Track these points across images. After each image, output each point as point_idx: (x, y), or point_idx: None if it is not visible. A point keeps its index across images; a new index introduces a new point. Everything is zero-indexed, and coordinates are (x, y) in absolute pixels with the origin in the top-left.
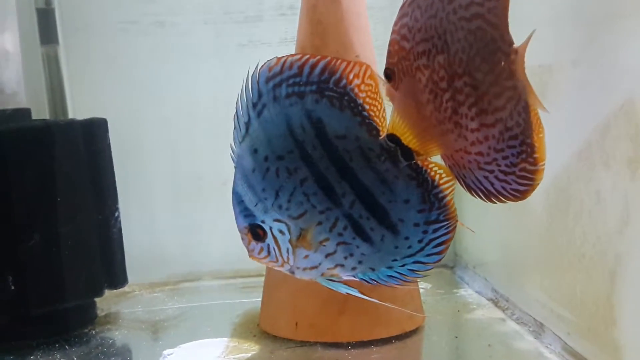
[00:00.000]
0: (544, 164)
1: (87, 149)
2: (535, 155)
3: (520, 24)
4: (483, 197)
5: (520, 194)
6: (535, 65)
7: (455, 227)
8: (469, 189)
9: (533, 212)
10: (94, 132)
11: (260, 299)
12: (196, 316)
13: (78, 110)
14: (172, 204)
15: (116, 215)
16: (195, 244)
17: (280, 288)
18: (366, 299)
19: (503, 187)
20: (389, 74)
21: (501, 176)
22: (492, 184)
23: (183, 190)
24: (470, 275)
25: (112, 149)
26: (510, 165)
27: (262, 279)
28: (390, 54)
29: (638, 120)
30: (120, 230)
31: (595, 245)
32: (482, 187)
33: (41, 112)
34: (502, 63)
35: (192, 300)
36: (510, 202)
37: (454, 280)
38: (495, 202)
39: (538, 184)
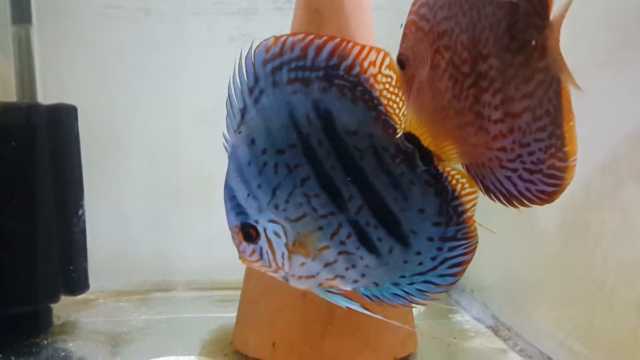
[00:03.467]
0: (575, 159)
1: (51, 137)
2: (566, 149)
3: None
4: (504, 201)
5: (546, 196)
6: None
7: (475, 248)
8: (487, 191)
9: (544, 231)
10: (60, 119)
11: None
12: (163, 330)
13: (48, 95)
14: (148, 205)
15: (80, 213)
16: (171, 251)
17: (258, 303)
18: (371, 316)
19: (527, 189)
20: (402, 62)
21: (526, 175)
22: (515, 185)
23: (161, 191)
24: (467, 300)
25: (84, 141)
26: (537, 162)
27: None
28: (405, 38)
29: None
30: (84, 230)
31: (619, 272)
32: (503, 189)
33: (8, 94)
34: (534, 40)
35: (162, 311)
36: (526, 212)
37: (449, 304)
38: (517, 207)
39: (568, 183)
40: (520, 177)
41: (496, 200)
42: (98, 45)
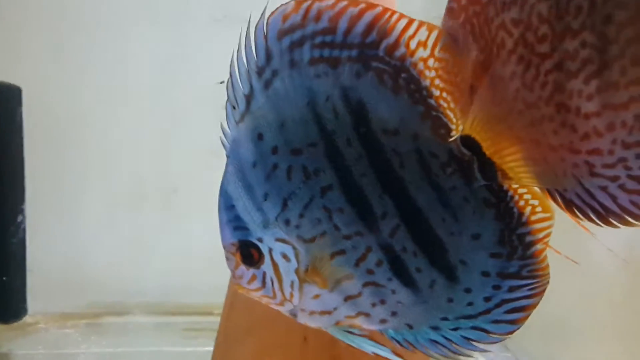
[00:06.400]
0: None
1: None
2: None
3: None
4: (595, 219)
5: None
6: None
7: (545, 290)
8: (569, 206)
9: (604, 267)
10: None
11: (211, 348)
12: None
13: None
14: (102, 212)
15: (19, 220)
16: (128, 267)
17: (242, 343)
18: None
19: (633, 202)
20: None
21: (631, 185)
22: (615, 198)
23: (119, 194)
24: None
25: (30, 130)
26: None
27: (214, 319)
28: (451, 12)
29: None
30: (23, 241)
31: None
32: (595, 204)
33: None
34: None
35: (115, 342)
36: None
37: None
38: (616, 226)
39: None
40: (622, 187)
41: (583, 218)
42: (54, 13)
